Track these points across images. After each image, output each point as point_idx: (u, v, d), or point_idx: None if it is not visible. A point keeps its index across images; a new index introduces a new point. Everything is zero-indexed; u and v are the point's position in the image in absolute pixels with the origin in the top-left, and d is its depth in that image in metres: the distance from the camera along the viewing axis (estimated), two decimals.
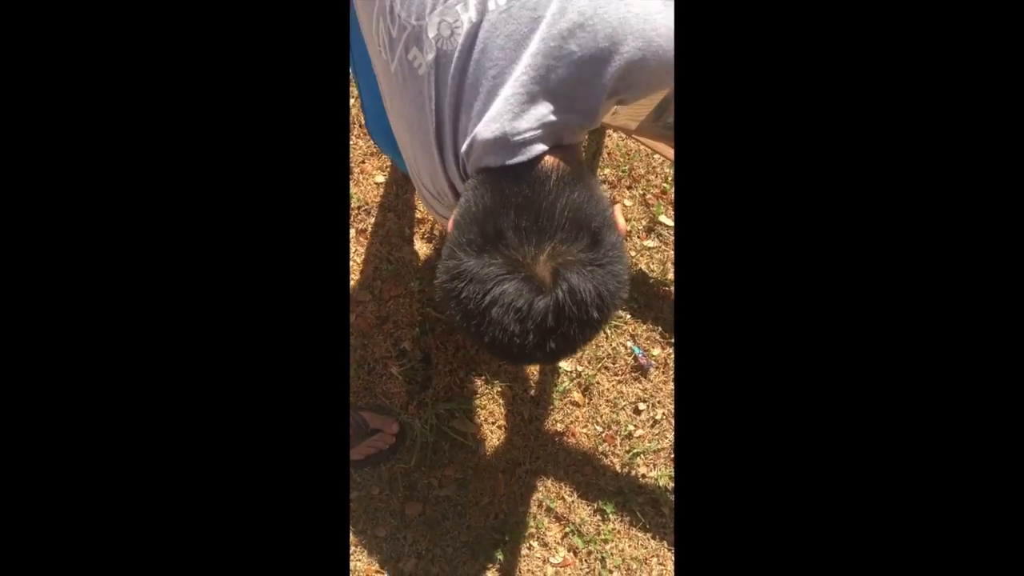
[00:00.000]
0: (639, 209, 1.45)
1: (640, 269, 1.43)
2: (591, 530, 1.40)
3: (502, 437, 1.42)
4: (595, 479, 1.41)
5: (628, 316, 1.43)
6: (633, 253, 1.43)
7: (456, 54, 0.65)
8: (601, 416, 1.42)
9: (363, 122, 1.35)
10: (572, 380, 1.42)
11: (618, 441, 1.42)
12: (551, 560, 1.39)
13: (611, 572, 1.39)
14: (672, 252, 1.43)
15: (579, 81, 0.64)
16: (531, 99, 0.64)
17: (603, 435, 1.42)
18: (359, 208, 1.43)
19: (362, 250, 1.43)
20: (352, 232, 1.42)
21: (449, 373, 1.41)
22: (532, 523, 1.40)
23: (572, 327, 0.61)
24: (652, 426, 1.42)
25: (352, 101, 1.38)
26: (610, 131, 1.43)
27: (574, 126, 0.67)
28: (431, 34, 0.65)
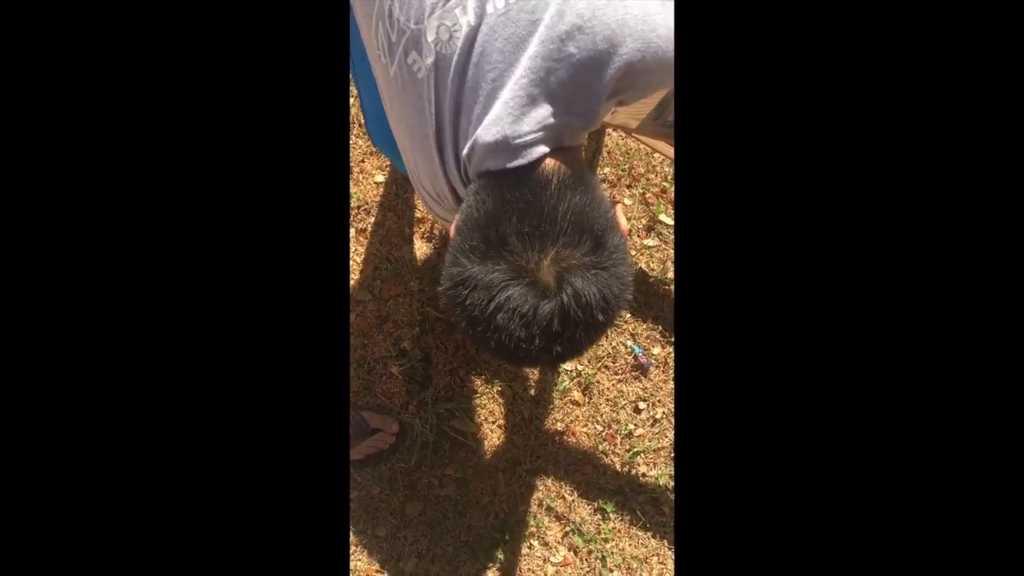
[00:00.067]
0: (639, 208, 1.45)
1: (640, 268, 1.43)
2: (591, 529, 1.40)
3: (502, 436, 1.42)
4: (595, 478, 1.41)
5: (628, 315, 1.43)
6: (633, 252, 1.43)
7: (455, 58, 0.65)
8: (601, 415, 1.42)
9: (363, 122, 1.35)
10: (572, 379, 1.42)
11: (618, 440, 1.42)
12: (551, 559, 1.39)
13: (611, 571, 1.39)
14: (672, 251, 1.43)
15: (579, 83, 0.64)
16: (531, 102, 0.64)
17: (603, 434, 1.42)
18: (359, 207, 1.43)
19: (362, 249, 1.43)
20: (352, 231, 1.42)
21: (449, 372, 1.41)
22: (532, 522, 1.40)
23: (578, 331, 0.62)
24: (652, 425, 1.42)
25: (352, 100, 1.38)
26: (610, 130, 1.43)
27: (575, 128, 0.67)
28: (430, 38, 0.65)
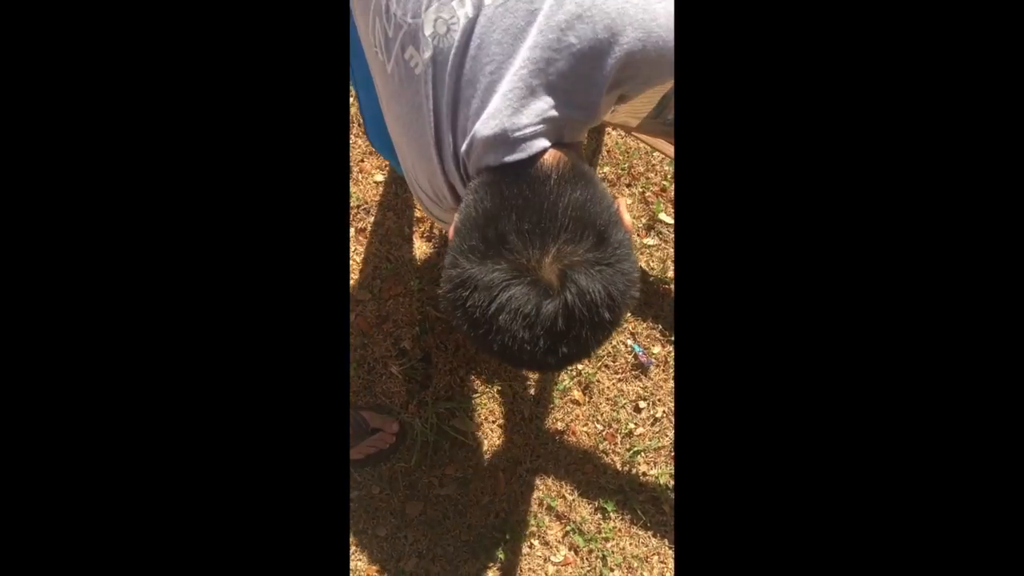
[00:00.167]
0: (639, 207, 1.45)
1: (640, 267, 1.43)
2: (592, 528, 1.40)
3: (502, 436, 1.42)
4: (596, 477, 1.41)
5: (628, 314, 1.43)
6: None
7: (453, 51, 0.63)
8: (601, 414, 1.42)
9: (362, 121, 1.35)
10: (572, 378, 1.42)
11: (619, 439, 1.42)
12: (552, 559, 1.39)
13: (612, 570, 1.39)
14: (672, 250, 1.43)
15: (579, 73, 0.62)
16: (530, 93, 0.62)
17: (603, 433, 1.42)
18: (358, 207, 1.43)
19: (361, 249, 1.43)
20: (351, 231, 1.42)
21: (449, 372, 1.41)
22: (533, 522, 1.40)
23: (583, 330, 0.60)
24: (652, 424, 1.42)
25: (351, 100, 1.38)
26: (609, 129, 1.43)
27: (575, 122, 0.66)
28: (427, 31, 0.64)
